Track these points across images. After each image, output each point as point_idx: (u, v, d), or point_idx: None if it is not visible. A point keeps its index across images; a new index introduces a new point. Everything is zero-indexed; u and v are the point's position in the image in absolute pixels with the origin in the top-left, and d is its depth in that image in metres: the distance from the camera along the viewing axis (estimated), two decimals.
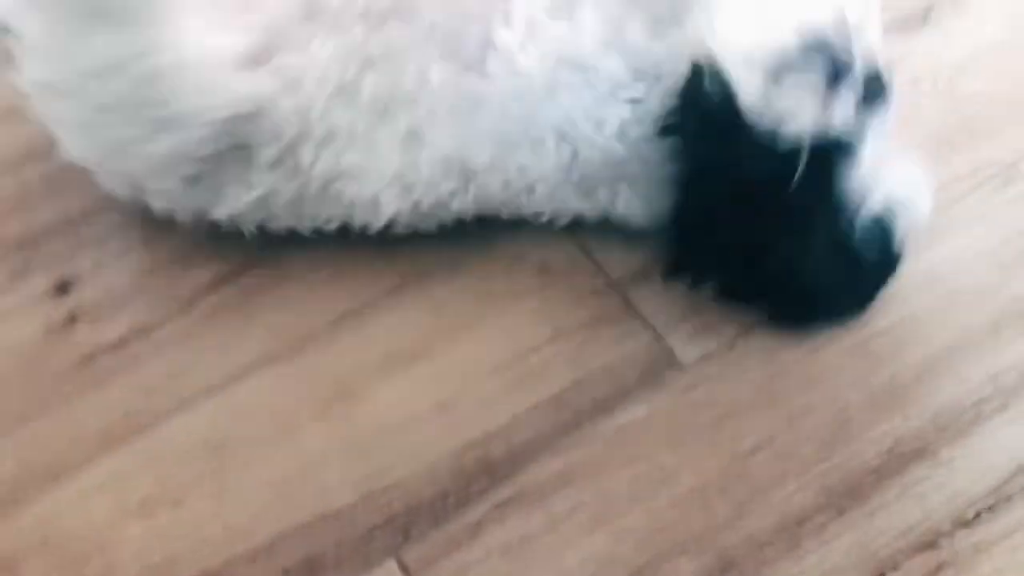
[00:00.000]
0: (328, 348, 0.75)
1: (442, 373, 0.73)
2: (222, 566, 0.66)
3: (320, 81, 0.69)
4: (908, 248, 0.73)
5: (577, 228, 0.79)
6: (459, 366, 0.74)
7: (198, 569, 0.66)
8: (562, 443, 0.71)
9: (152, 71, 0.66)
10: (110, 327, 0.76)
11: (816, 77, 0.66)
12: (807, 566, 0.66)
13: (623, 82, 0.71)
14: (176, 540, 0.67)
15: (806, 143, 0.66)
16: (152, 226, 0.78)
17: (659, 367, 0.74)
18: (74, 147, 0.74)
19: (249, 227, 0.75)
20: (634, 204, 0.75)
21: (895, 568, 0.65)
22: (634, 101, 0.71)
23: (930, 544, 0.66)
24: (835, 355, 0.74)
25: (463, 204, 0.74)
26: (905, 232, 0.72)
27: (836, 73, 0.66)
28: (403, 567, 0.66)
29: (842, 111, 0.67)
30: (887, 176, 0.70)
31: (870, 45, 0.68)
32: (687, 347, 0.75)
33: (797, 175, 0.66)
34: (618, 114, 0.71)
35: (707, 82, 0.67)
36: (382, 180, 0.72)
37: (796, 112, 0.66)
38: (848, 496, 0.68)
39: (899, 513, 0.67)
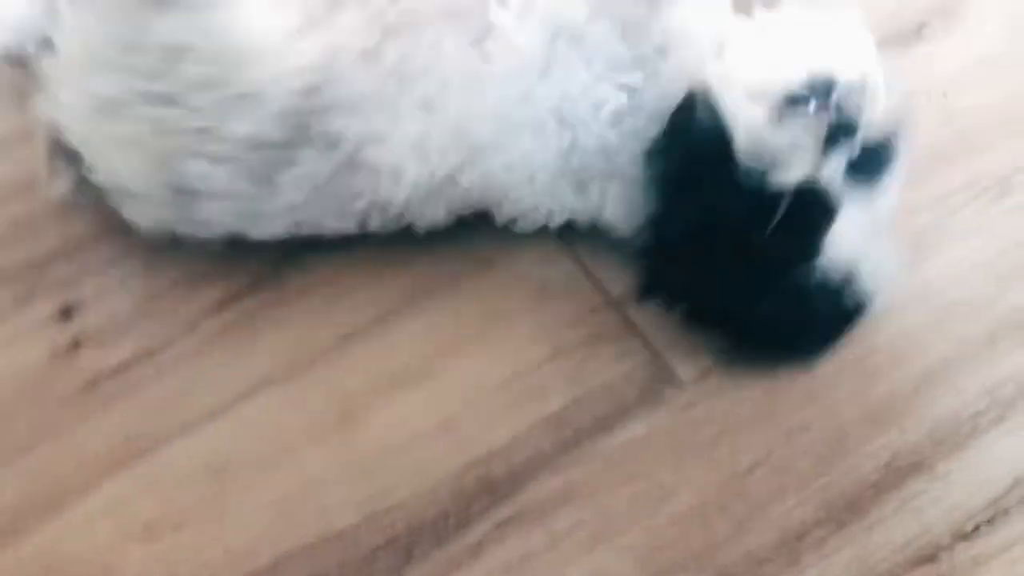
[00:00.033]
0: (329, 369, 0.75)
1: (443, 393, 0.74)
2: None
3: (348, 49, 0.71)
4: (865, 315, 0.72)
5: (576, 245, 0.80)
6: (459, 385, 0.74)
7: None
8: (562, 461, 0.71)
9: (224, 49, 0.68)
10: (113, 352, 0.76)
11: (819, 124, 0.66)
12: None
13: (620, 62, 0.71)
14: (179, 564, 0.68)
15: (791, 188, 0.66)
16: (155, 251, 0.79)
17: (658, 385, 0.75)
18: (121, 167, 0.74)
19: (280, 234, 0.76)
20: (620, 208, 0.75)
21: None
22: (630, 89, 0.72)
23: (929, 558, 0.67)
24: (832, 370, 0.74)
25: (471, 182, 0.74)
26: (864, 299, 0.71)
27: (838, 128, 0.66)
28: None
29: (833, 168, 0.67)
30: (864, 245, 0.70)
31: (877, 119, 0.68)
32: (685, 365, 0.75)
33: (774, 219, 0.66)
34: (614, 97, 0.71)
35: (700, 110, 0.67)
36: (404, 145, 0.72)
37: (790, 154, 0.66)
38: (847, 511, 0.69)
39: (898, 527, 0.68)
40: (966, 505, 0.69)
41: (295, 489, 0.71)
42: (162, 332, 0.77)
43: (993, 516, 0.68)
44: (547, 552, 0.68)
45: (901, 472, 0.70)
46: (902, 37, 0.92)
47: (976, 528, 0.68)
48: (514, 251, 0.80)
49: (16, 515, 0.70)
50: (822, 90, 0.66)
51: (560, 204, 0.77)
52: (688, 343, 0.76)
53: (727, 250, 0.69)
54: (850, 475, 0.70)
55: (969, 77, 0.90)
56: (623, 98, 0.72)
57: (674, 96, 0.71)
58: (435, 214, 0.77)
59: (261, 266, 0.78)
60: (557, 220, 0.78)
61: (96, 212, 0.82)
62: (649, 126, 0.72)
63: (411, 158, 0.73)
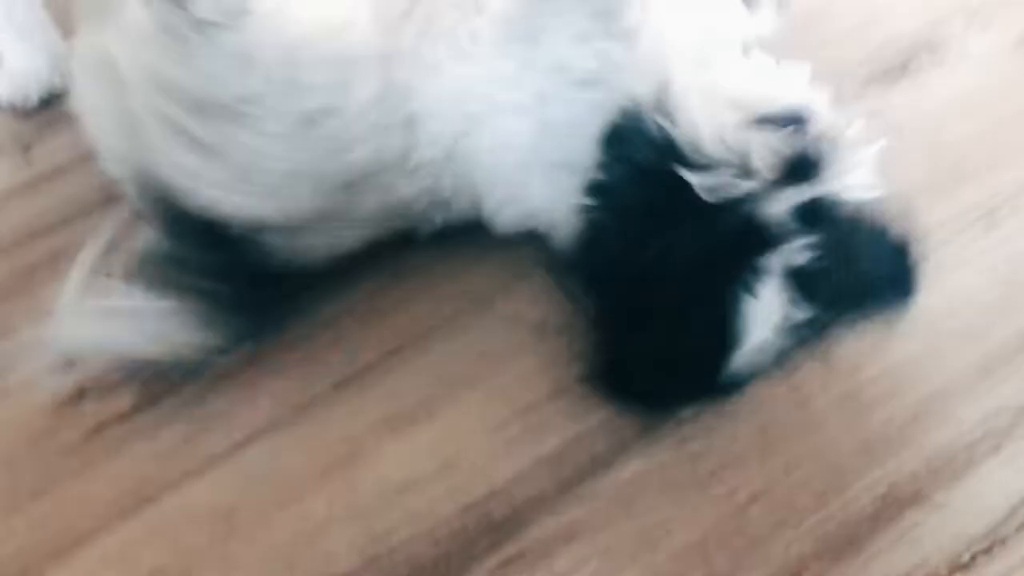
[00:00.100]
0: (331, 412, 0.76)
1: (443, 433, 0.75)
2: None
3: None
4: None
5: (573, 285, 0.80)
6: (459, 426, 0.75)
7: None
8: (563, 500, 0.72)
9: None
10: (117, 399, 0.77)
11: (785, 146, 0.67)
12: None
13: (588, 34, 0.72)
14: None
15: (735, 208, 0.66)
16: None
17: (656, 421, 0.75)
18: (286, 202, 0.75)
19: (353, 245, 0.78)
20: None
21: None
22: (601, 57, 0.72)
23: None
24: (827, 402, 0.75)
25: (474, 150, 0.75)
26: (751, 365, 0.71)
27: (801, 161, 0.67)
28: None
29: (782, 202, 0.67)
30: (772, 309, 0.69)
31: (836, 179, 0.68)
32: None
33: (713, 242, 0.66)
34: (582, 64, 0.72)
35: (649, 126, 0.68)
36: (440, 99, 0.74)
37: (745, 167, 0.67)
38: (845, 544, 0.69)
39: (896, 559, 0.68)
40: (964, 535, 0.69)
41: (298, 533, 0.71)
42: (165, 378, 0.78)
43: (991, 546, 0.69)
44: None
45: (898, 503, 0.70)
46: (889, 72, 0.94)
47: (974, 558, 0.68)
48: (512, 291, 0.81)
49: (24, 563, 0.70)
50: (800, 119, 0.68)
51: (527, 201, 0.77)
52: None
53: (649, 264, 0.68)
54: (847, 508, 0.70)
55: (956, 110, 0.91)
56: (592, 64, 0.72)
57: (636, 82, 0.71)
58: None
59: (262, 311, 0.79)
60: (532, 220, 0.78)
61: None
62: (611, 100, 0.72)
63: (446, 109, 0.75)
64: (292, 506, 0.72)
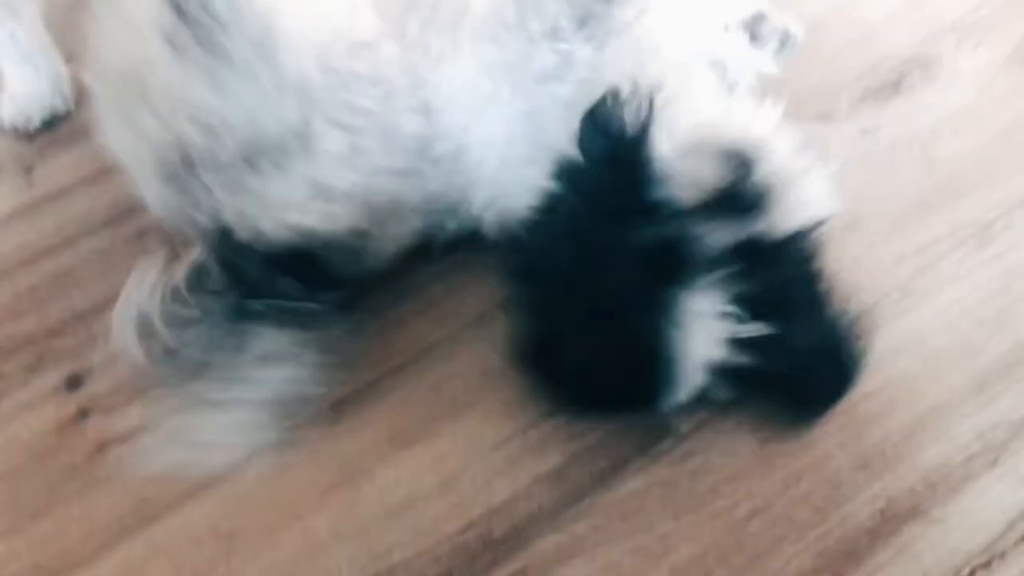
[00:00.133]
0: (332, 431, 0.76)
1: (443, 452, 0.75)
2: None
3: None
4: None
5: None
6: (460, 444, 0.76)
7: None
8: (563, 517, 0.72)
9: None
10: (120, 419, 0.78)
11: (725, 173, 0.68)
12: None
13: (561, 32, 0.74)
14: None
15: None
16: None
17: (655, 437, 0.76)
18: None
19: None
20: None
21: None
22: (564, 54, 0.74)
23: None
24: (824, 418, 0.76)
25: (469, 145, 0.76)
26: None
27: (739, 194, 0.67)
28: None
29: (710, 230, 0.67)
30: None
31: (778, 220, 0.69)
32: (682, 416, 0.76)
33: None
34: (550, 59, 0.74)
35: (626, 111, 0.69)
36: (447, 89, 0.75)
37: (685, 185, 0.67)
38: (844, 559, 0.69)
39: (896, 574, 0.69)
40: (963, 550, 0.70)
41: (300, 551, 0.71)
42: (168, 398, 0.79)
43: (990, 560, 0.69)
44: None
45: (897, 519, 0.71)
46: (883, 89, 0.95)
47: (973, 573, 0.69)
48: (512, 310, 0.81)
49: None
50: (748, 159, 0.68)
51: (510, 193, 0.78)
52: (683, 395, 0.77)
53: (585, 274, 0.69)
54: (846, 523, 0.71)
55: (948, 127, 0.92)
56: (554, 59, 0.74)
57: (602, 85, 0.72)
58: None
59: None
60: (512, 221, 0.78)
61: (101, 282, 0.84)
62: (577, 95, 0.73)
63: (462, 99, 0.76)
64: (293, 525, 0.73)
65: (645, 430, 0.76)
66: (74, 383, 0.80)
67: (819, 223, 0.71)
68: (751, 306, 0.67)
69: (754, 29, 0.86)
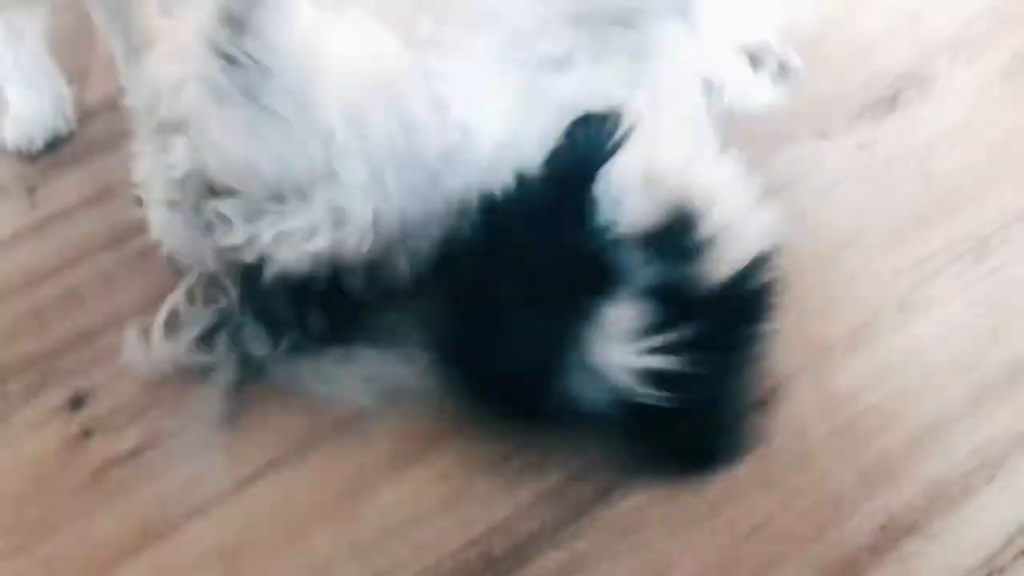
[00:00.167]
0: (334, 451, 0.77)
1: (443, 471, 0.76)
2: None
3: None
4: None
5: None
6: (460, 463, 0.76)
7: None
8: (564, 534, 0.72)
9: None
10: (123, 439, 0.78)
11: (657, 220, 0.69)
12: None
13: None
14: None
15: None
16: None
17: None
18: None
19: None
20: None
21: None
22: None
23: None
24: (824, 434, 0.76)
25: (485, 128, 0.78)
26: None
27: (667, 243, 0.69)
28: None
29: (639, 271, 0.69)
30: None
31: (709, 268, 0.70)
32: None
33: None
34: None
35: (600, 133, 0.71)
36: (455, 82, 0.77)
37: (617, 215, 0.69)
38: (844, 574, 0.70)
39: None
40: (962, 565, 0.70)
41: (303, 570, 0.72)
42: (171, 417, 0.79)
43: (989, 574, 0.69)
44: None
45: (897, 534, 0.71)
46: (879, 106, 0.96)
47: None
48: None
49: None
50: (693, 216, 0.70)
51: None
52: None
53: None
54: (846, 539, 0.71)
55: (944, 142, 0.93)
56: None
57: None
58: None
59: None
60: None
61: (103, 302, 0.84)
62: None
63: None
64: (296, 543, 0.73)
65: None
66: (77, 403, 0.80)
67: (756, 285, 0.72)
68: (663, 341, 0.68)
69: (755, 56, 0.88)
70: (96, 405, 0.80)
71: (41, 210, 0.91)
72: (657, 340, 0.67)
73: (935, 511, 0.72)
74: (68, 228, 0.90)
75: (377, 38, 0.76)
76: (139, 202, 0.81)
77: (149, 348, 0.78)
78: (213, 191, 0.75)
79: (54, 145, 0.94)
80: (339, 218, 0.74)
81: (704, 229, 0.69)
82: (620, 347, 0.68)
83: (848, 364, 0.79)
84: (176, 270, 0.81)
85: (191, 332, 0.78)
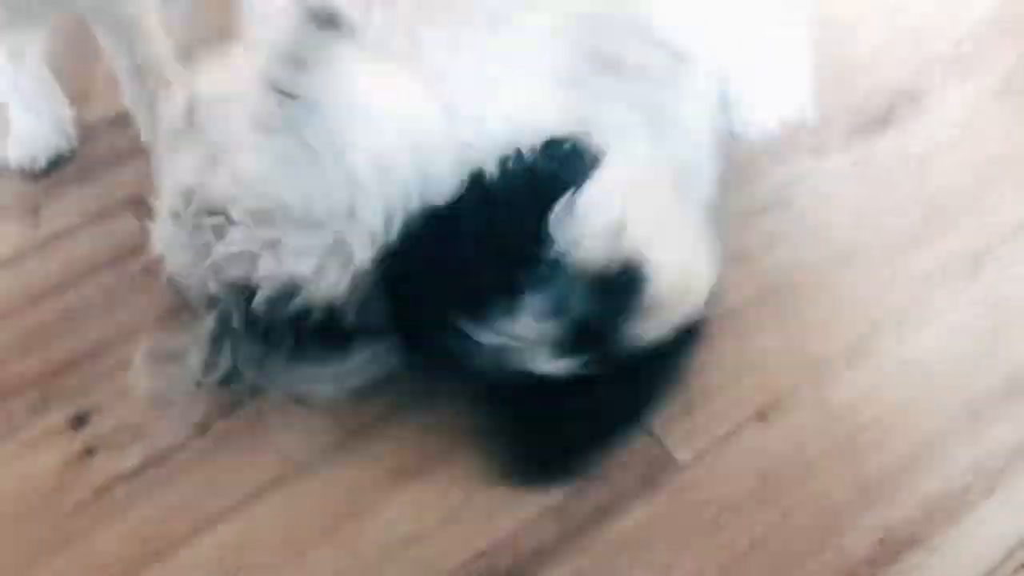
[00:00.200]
0: (335, 468, 0.77)
1: (445, 487, 0.76)
2: None
3: None
4: None
5: None
6: (461, 479, 0.76)
7: None
8: (566, 550, 0.73)
9: None
10: (126, 457, 0.78)
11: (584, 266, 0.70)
12: None
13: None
14: None
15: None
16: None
17: (657, 468, 0.76)
18: None
19: None
20: None
21: None
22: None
23: None
24: (822, 449, 0.76)
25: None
26: None
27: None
28: None
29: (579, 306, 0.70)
30: None
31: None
32: (683, 447, 0.77)
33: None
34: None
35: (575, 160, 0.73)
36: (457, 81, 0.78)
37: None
38: None
39: None
40: None
41: None
42: (173, 435, 0.79)
43: None
44: None
45: (896, 547, 0.72)
46: (873, 122, 0.97)
47: None
48: None
49: None
50: (638, 278, 0.70)
51: None
52: (684, 426, 0.78)
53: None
54: (846, 553, 0.71)
55: (938, 158, 0.94)
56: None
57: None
58: None
59: None
60: None
61: (105, 321, 0.85)
62: None
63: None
64: (299, 561, 0.73)
65: (646, 460, 0.77)
66: (79, 422, 0.80)
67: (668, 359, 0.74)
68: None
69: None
70: (99, 423, 0.80)
71: (44, 229, 0.92)
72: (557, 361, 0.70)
73: (934, 524, 0.73)
74: (71, 247, 0.90)
75: (412, 94, 0.76)
76: (149, 213, 0.81)
77: (153, 374, 0.79)
78: (215, 209, 0.75)
79: (56, 164, 0.95)
80: (344, 254, 0.75)
81: (644, 295, 0.70)
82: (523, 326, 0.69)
83: (846, 378, 0.79)
84: (176, 292, 0.82)
85: (196, 356, 0.78)
